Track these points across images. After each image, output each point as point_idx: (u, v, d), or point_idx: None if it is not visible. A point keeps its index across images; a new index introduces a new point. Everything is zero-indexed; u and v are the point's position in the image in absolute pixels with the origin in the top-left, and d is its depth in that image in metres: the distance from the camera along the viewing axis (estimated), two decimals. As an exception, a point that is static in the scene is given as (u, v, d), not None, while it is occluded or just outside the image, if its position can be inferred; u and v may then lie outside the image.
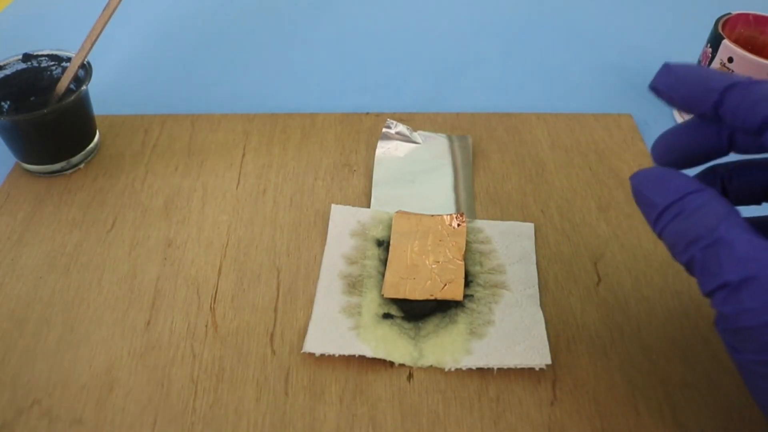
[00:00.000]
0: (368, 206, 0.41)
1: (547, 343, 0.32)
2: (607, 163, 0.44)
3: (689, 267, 0.24)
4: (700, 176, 0.29)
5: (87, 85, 0.42)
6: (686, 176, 0.25)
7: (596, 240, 0.39)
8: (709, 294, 0.23)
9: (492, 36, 0.62)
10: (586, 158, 0.45)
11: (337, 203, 0.41)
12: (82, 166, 0.44)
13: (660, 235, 0.25)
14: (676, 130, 0.28)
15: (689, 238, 0.23)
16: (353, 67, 0.57)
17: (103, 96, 0.48)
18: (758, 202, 0.29)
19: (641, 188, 0.25)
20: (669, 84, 0.26)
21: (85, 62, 0.42)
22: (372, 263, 0.37)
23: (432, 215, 0.39)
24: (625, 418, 0.30)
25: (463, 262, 0.36)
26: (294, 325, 0.34)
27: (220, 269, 0.37)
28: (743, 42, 0.46)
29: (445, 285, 0.35)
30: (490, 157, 0.45)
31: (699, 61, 0.46)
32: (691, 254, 0.23)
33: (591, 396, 0.31)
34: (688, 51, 0.52)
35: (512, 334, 0.33)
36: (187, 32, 0.62)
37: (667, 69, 0.26)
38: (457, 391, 0.31)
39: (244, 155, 0.45)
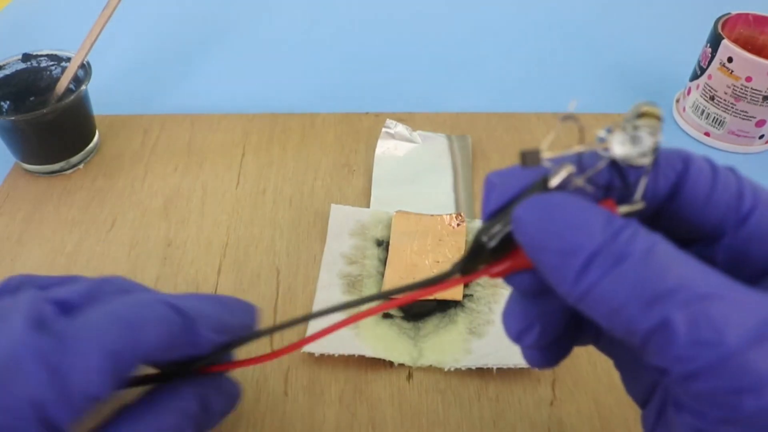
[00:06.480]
0: (368, 206, 0.41)
1: (546, 343, 0.32)
2: (607, 163, 0.44)
3: (653, 333, 0.15)
4: None
5: (87, 85, 0.42)
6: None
7: (596, 240, 0.39)
8: (694, 373, 0.14)
9: (492, 36, 0.62)
10: (586, 158, 0.45)
11: (336, 203, 0.41)
12: (81, 166, 0.44)
13: (584, 297, 0.16)
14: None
15: (653, 293, 0.15)
16: (353, 67, 0.56)
17: (103, 96, 0.48)
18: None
19: (541, 225, 0.16)
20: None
21: (84, 62, 0.42)
22: (372, 263, 0.37)
23: (432, 215, 0.39)
24: (625, 418, 0.30)
25: (462, 262, 0.36)
26: (293, 325, 0.34)
27: (219, 269, 0.37)
28: (743, 42, 0.46)
29: (445, 285, 0.35)
30: (490, 157, 0.45)
31: (699, 61, 0.46)
32: (664, 315, 0.15)
33: (591, 396, 0.31)
34: (688, 51, 0.52)
35: (512, 334, 0.33)
36: (187, 32, 0.62)
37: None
38: (457, 391, 0.31)
39: (243, 155, 0.45)
